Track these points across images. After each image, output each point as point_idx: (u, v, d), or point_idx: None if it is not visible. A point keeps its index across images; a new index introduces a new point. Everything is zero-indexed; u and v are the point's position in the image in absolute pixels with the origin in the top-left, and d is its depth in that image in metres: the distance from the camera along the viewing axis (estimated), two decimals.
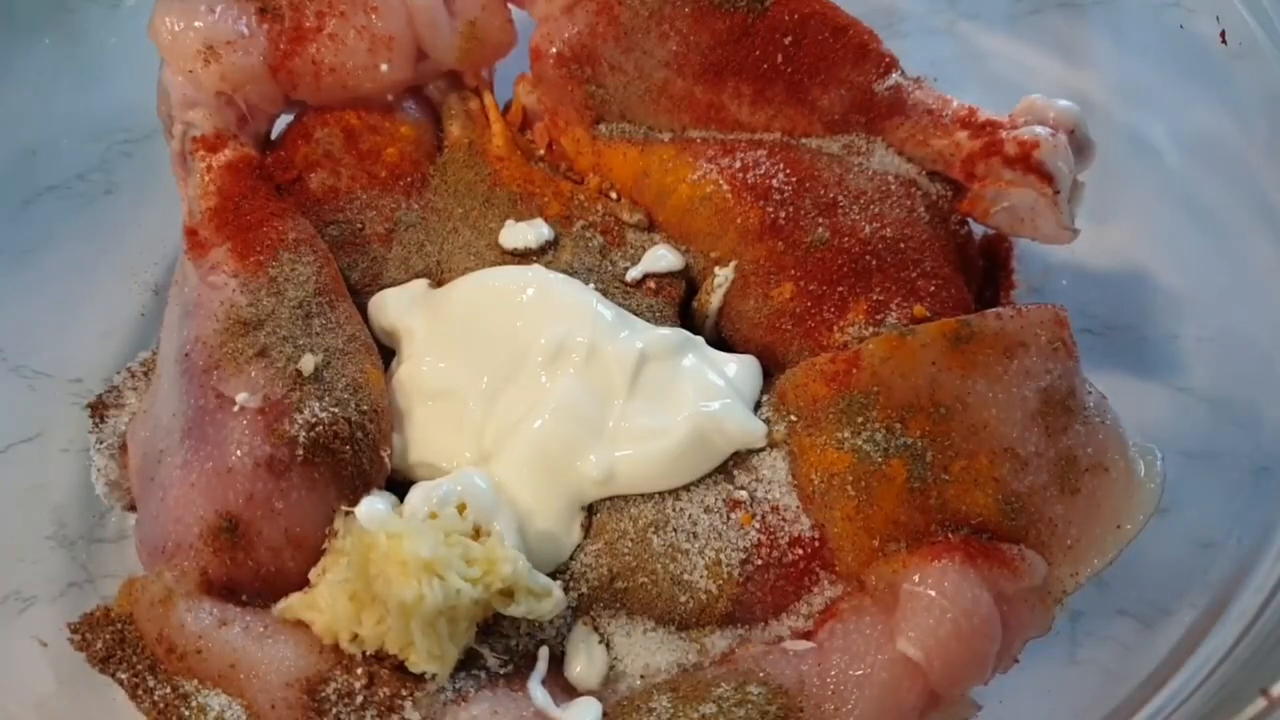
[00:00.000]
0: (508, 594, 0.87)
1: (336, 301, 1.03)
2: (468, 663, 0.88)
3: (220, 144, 1.09)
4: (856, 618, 0.88)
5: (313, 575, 0.91)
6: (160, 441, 0.95)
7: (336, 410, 0.94)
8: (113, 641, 0.88)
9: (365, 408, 0.96)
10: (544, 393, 0.96)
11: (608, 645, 0.92)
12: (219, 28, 1.07)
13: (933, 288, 1.01)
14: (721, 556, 0.91)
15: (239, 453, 0.91)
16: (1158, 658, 0.92)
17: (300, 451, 0.92)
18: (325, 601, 0.87)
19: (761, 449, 0.96)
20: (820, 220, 1.03)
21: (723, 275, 1.06)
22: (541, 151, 1.17)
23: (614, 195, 1.13)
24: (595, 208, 1.11)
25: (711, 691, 0.84)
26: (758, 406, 0.99)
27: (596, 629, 0.93)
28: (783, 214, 1.04)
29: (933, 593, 0.84)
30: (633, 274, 1.07)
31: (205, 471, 0.92)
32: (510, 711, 0.84)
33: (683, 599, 0.91)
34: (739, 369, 1.01)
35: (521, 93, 1.17)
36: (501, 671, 0.88)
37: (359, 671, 0.85)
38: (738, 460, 0.96)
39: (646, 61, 1.09)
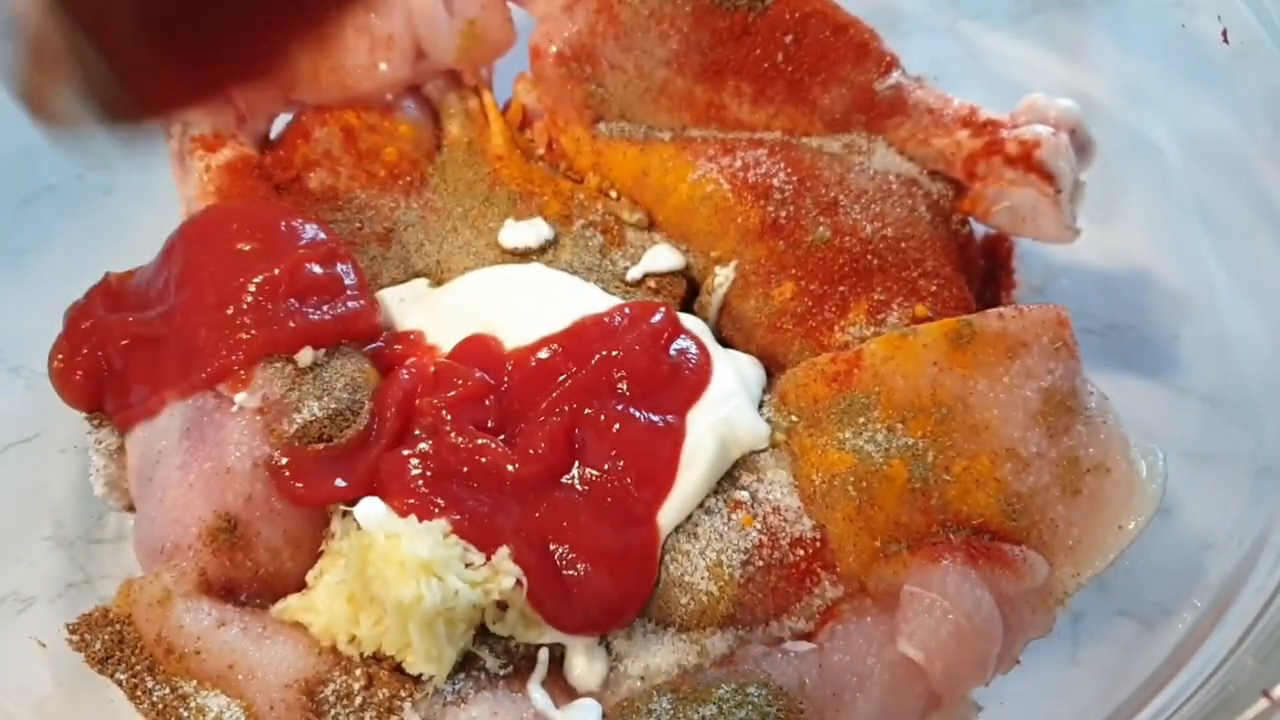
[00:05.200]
0: (502, 608, 0.87)
1: None
2: (467, 664, 0.88)
3: (219, 143, 1.09)
4: (857, 619, 0.88)
5: (310, 577, 0.91)
6: (158, 441, 0.95)
7: (335, 409, 0.94)
8: (111, 642, 0.88)
9: None
10: None
11: (608, 647, 0.91)
12: None
13: (934, 287, 1.01)
14: (722, 558, 0.91)
15: (238, 453, 0.91)
16: (1159, 658, 0.92)
17: None
18: (323, 603, 0.87)
19: (763, 449, 0.96)
20: (821, 219, 1.03)
21: (723, 275, 1.05)
22: (541, 150, 1.17)
23: (614, 194, 1.13)
24: (595, 207, 1.11)
25: (712, 693, 0.84)
26: (759, 407, 0.99)
27: None
28: (783, 213, 1.03)
29: (934, 594, 0.84)
30: (633, 273, 1.07)
31: (204, 472, 0.91)
32: (510, 713, 0.84)
33: (683, 600, 0.91)
34: (746, 366, 1.01)
35: (521, 91, 1.17)
36: (501, 673, 0.88)
37: (358, 673, 0.85)
38: (739, 461, 0.95)
39: (646, 60, 1.09)
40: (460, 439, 0.91)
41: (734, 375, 0.98)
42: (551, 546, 0.88)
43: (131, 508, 1.00)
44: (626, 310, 0.99)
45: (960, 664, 0.84)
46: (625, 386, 0.94)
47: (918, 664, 0.84)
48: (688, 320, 1.01)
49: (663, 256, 1.08)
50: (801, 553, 0.92)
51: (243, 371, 0.93)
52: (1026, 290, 1.15)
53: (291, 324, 0.95)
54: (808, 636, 0.90)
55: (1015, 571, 0.86)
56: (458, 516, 0.87)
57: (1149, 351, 1.15)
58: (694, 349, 0.97)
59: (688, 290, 1.09)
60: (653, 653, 0.90)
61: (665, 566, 0.91)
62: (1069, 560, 0.89)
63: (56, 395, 0.99)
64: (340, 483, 0.91)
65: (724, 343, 1.05)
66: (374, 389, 0.97)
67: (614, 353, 0.94)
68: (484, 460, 0.90)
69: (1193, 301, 1.17)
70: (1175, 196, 1.20)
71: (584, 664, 0.89)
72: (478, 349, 0.99)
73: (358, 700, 0.84)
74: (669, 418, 0.93)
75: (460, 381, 0.94)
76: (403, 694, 0.85)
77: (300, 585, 0.91)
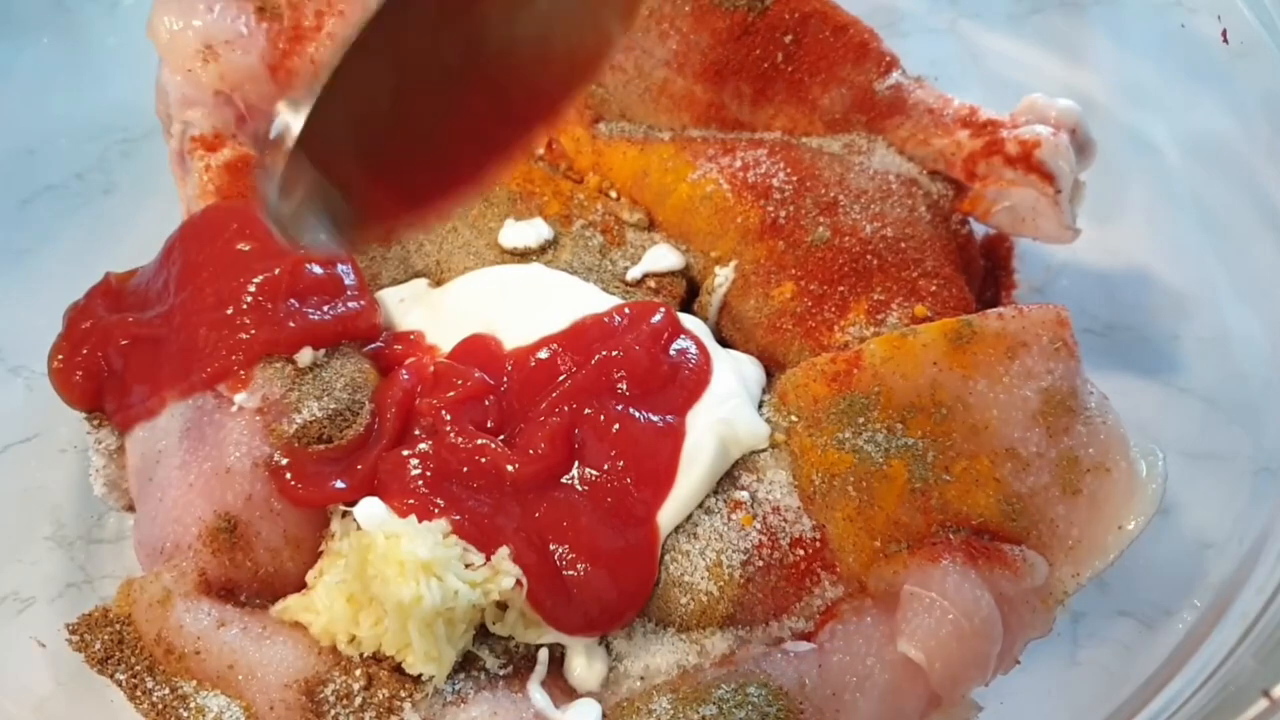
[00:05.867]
0: (502, 608, 0.87)
1: None
2: (467, 664, 0.88)
3: (219, 144, 1.09)
4: (857, 619, 0.88)
5: (310, 577, 0.91)
6: (158, 441, 0.95)
7: (335, 409, 0.94)
8: (111, 642, 0.88)
9: None
10: None
11: (608, 647, 0.91)
12: (217, 27, 1.07)
13: (934, 287, 1.01)
14: (722, 558, 0.91)
15: (238, 453, 0.91)
16: (1159, 658, 0.92)
17: None
18: (323, 603, 0.87)
19: (763, 449, 0.96)
20: (821, 219, 1.03)
21: (723, 275, 1.05)
22: (541, 150, 1.17)
23: (614, 194, 1.13)
24: (595, 207, 1.11)
25: (712, 693, 0.84)
26: (759, 407, 0.99)
27: None
28: (783, 213, 1.03)
29: (934, 594, 0.84)
30: (633, 273, 1.07)
31: (204, 472, 0.92)
32: (510, 713, 0.84)
33: (683, 600, 0.91)
34: (746, 366, 1.01)
35: None
36: (501, 673, 0.88)
37: (357, 673, 0.85)
38: (739, 461, 0.95)
39: (646, 60, 1.09)
40: (460, 439, 0.91)
41: (734, 375, 0.98)
42: (551, 546, 0.88)
43: (131, 508, 1.00)
44: (626, 310, 0.99)
45: (960, 664, 0.84)
46: (625, 386, 0.94)
47: (918, 664, 0.84)
48: (688, 320, 1.01)
49: (663, 256, 1.08)
50: (801, 553, 0.92)
51: (242, 371, 0.93)
52: (1026, 290, 1.15)
53: (291, 324, 0.95)
54: (808, 636, 0.90)
55: (1015, 571, 0.86)
56: (458, 516, 0.87)
57: (1149, 351, 1.15)
58: (694, 349, 0.97)
59: (688, 290, 1.09)
60: (653, 653, 0.90)
61: (665, 566, 0.91)
62: (1069, 560, 0.88)
63: (56, 395, 0.99)
64: (340, 483, 0.91)
65: (724, 343, 1.05)
66: (374, 389, 0.97)
67: (614, 353, 0.94)
68: (484, 460, 0.90)
69: (1193, 301, 1.16)
70: (1175, 196, 1.20)
71: (584, 664, 0.89)
72: (478, 349, 0.99)
73: (357, 700, 0.84)
74: (669, 418, 0.93)
75: (460, 381, 0.94)
76: (403, 694, 0.85)
77: (300, 585, 0.91)
